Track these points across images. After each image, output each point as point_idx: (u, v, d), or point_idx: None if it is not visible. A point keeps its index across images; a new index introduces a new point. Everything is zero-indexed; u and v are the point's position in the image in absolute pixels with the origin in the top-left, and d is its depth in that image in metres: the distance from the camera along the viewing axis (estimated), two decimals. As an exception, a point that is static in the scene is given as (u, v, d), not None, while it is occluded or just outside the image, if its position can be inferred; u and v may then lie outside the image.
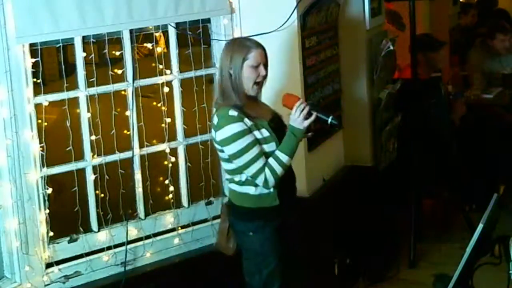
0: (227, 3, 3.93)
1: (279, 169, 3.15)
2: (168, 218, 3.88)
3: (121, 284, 3.60)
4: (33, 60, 3.36)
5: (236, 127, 3.12)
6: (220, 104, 3.22)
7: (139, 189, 3.77)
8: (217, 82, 3.30)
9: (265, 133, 3.19)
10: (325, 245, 4.23)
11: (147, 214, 3.83)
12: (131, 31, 3.65)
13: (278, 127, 3.28)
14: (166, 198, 3.91)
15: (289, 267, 3.48)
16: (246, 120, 3.15)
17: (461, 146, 5.67)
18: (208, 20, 3.94)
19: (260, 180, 3.15)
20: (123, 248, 3.67)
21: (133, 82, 3.67)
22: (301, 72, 3.98)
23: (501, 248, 2.80)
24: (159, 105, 3.84)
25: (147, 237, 3.79)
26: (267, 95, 4.03)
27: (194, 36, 3.89)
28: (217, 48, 3.96)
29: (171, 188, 3.90)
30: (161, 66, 3.82)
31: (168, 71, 3.84)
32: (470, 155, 5.74)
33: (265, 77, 3.24)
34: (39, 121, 3.42)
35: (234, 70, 3.17)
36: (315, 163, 4.15)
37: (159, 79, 3.82)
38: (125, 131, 3.73)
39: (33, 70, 3.37)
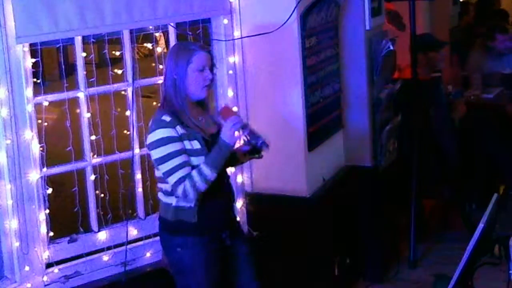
0: (227, 3, 3.93)
1: (200, 183, 2.99)
2: (168, 218, 3.88)
3: (121, 284, 3.60)
4: (33, 60, 3.36)
5: (164, 132, 2.99)
6: (160, 108, 3.13)
7: (139, 189, 3.78)
8: (162, 88, 3.17)
9: (196, 145, 3.04)
10: (325, 245, 4.23)
11: (147, 214, 3.82)
12: (131, 31, 3.65)
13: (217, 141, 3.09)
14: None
15: (288, 267, 3.48)
16: (178, 127, 3.02)
17: (461, 146, 5.67)
18: (208, 20, 3.94)
19: (180, 191, 3.00)
20: (123, 248, 3.67)
21: (133, 82, 3.67)
22: (301, 72, 3.98)
23: (501, 248, 2.80)
24: (159, 105, 3.83)
25: (147, 237, 3.79)
26: (267, 95, 4.04)
27: (194, 36, 3.89)
28: (217, 48, 3.97)
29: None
30: (161, 66, 3.82)
31: (168, 71, 3.84)
32: (470, 155, 5.74)
33: (212, 80, 3.10)
34: (39, 121, 3.42)
35: (178, 75, 3.05)
36: (315, 163, 4.14)
37: (159, 79, 3.82)
38: (125, 131, 3.73)
39: (33, 70, 3.37)
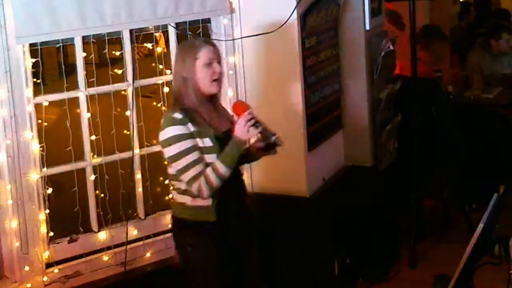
0: (227, 3, 3.93)
1: (214, 179, 2.96)
2: (168, 218, 3.88)
3: (121, 284, 3.61)
4: (33, 60, 3.37)
5: (176, 130, 2.98)
6: (171, 106, 3.13)
7: (139, 189, 3.78)
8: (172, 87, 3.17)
9: (208, 142, 3.02)
10: (325, 245, 4.23)
11: (147, 214, 3.83)
12: (131, 31, 3.66)
13: (229, 138, 3.05)
14: (166, 198, 3.91)
15: (288, 267, 3.48)
16: (189, 125, 2.99)
17: (462, 145, 5.66)
18: (208, 20, 3.94)
19: (194, 187, 2.99)
20: (123, 248, 3.67)
21: (133, 82, 3.68)
22: (301, 72, 3.98)
23: (501, 248, 2.80)
24: (159, 105, 3.84)
25: (147, 237, 3.80)
26: (267, 94, 4.04)
27: (194, 36, 3.89)
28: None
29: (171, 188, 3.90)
30: (161, 66, 3.82)
31: (168, 71, 3.85)
32: (470, 155, 5.74)
33: (221, 73, 3.10)
34: (39, 121, 3.43)
35: (187, 72, 3.04)
36: (315, 163, 4.14)
37: (159, 79, 3.82)
38: (125, 131, 3.74)
39: (33, 70, 3.38)
